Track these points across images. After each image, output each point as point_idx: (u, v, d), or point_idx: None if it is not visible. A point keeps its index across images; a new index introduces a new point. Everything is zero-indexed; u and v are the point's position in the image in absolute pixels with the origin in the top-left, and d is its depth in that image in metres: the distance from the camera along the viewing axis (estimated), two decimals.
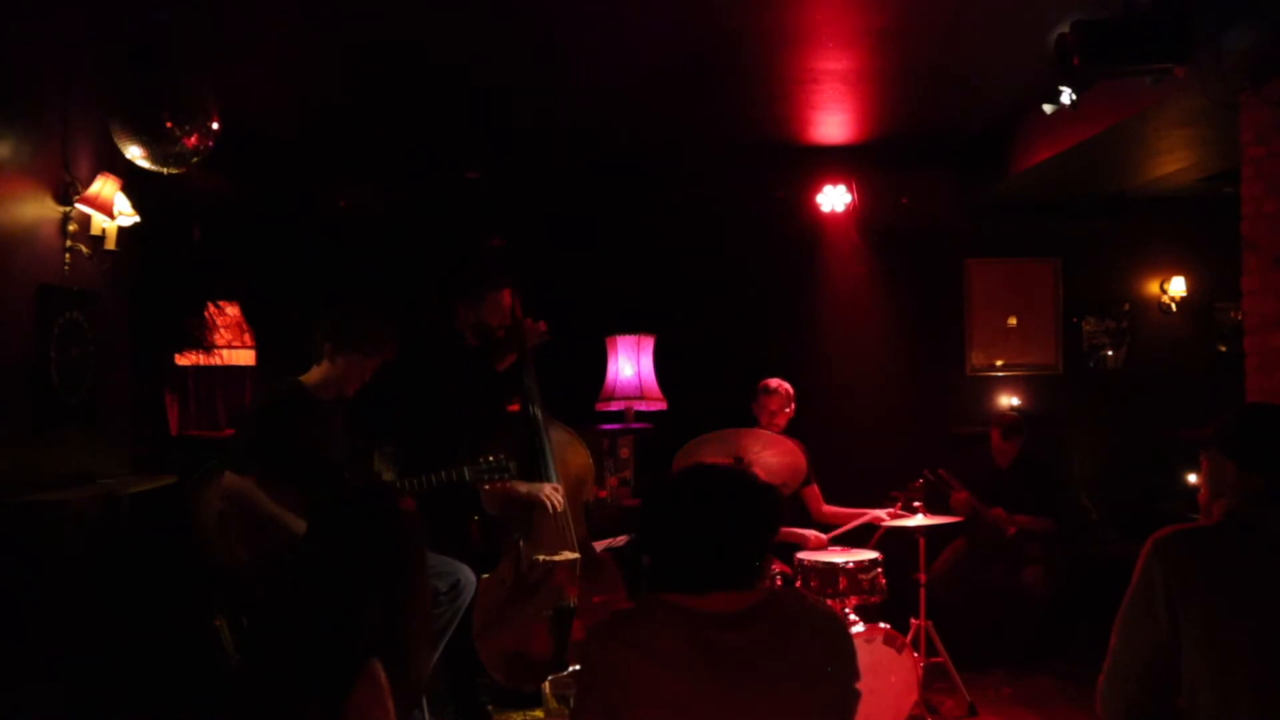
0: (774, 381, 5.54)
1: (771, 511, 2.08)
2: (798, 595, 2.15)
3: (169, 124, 4.04)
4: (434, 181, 6.50)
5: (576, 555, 4.76)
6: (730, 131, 6.26)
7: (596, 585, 4.85)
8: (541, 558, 4.71)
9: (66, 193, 3.92)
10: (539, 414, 4.86)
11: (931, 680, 5.18)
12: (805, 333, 7.02)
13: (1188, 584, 2.16)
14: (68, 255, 3.95)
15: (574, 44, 4.79)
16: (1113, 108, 4.84)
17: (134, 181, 4.15)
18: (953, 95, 5.63)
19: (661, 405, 6.34)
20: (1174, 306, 7.44)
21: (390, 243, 6.39)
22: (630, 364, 6.34)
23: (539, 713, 4.96)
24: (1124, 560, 2.41)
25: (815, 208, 6.82)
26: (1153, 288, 7.49)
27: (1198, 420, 2.53)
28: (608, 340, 6.44)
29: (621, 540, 4.90)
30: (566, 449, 4.97)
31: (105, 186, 3.96)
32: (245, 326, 6.59)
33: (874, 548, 5.07)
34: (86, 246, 4.00)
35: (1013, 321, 7.40)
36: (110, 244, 4.07)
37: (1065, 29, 4.04)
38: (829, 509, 5.62)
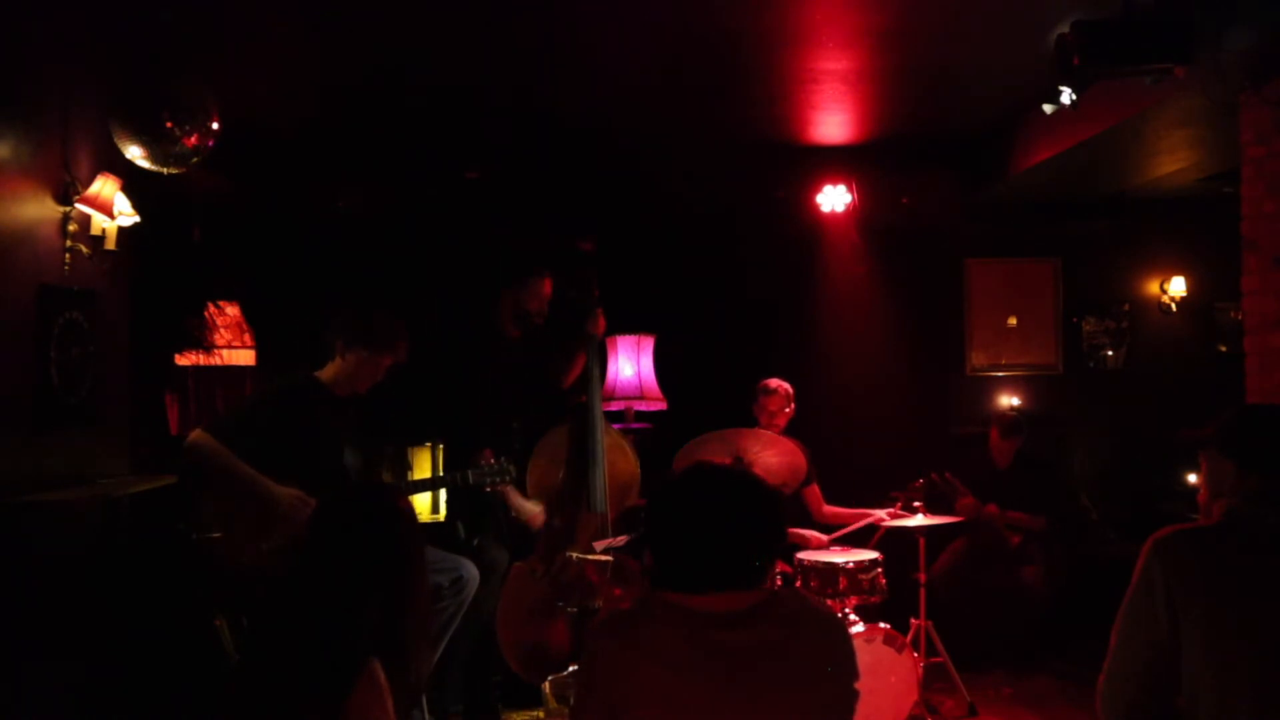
0: (773, 382, 5.54)
1: (775, 514, 2.09)
2: (798, 595, 2.15)
3: (169, 124, 4.04)
4: (434, 181, 6.50)
5: (609, 558, 4.74)
6: (730, 131, 6.26)
7: (626, 589, 4.84)
8: (576, 555, 4.70)
9: (66, 193, 3.92)
10: (598, 409, 4.85)
11: (931, 680, 5.18)
12: (805, 333, 7.01)
13: (1188, 584, 2.16)
14: (68, 255, 3.94)
15: (574, 44, 4.79)
16: (1113, 108, 4.84)
17: (134, 181, 4.15)
18: (953, 95, 5.63)
19: (661, 405, 6.33)
20: (1174, 306, 7.45)
21: (390, 243, 6.39)
22: (630, 364, 6.34)
23: (539, 712, 4.96)
24: (1124, 560, 2.41)
25: (815, 208, 6.82)
26: (1153, 288, 7.49)
27: (1198, 420, 2.53)
28: (608, 340, 6.43)
29: (622, 540, 4.89)
30: (617, 454, 4.94)
31: (105, 186, 3.96)
32: (245, 326, 6.59)
33: (874, 548, 5.07)
34: (86, 246, 4.00)
35: (1013, 321, 7.40)
36: (110, 244, 4.07)
37: (1065, 29, 4.03)
38: (829, 509, 5.62)
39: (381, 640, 2.12)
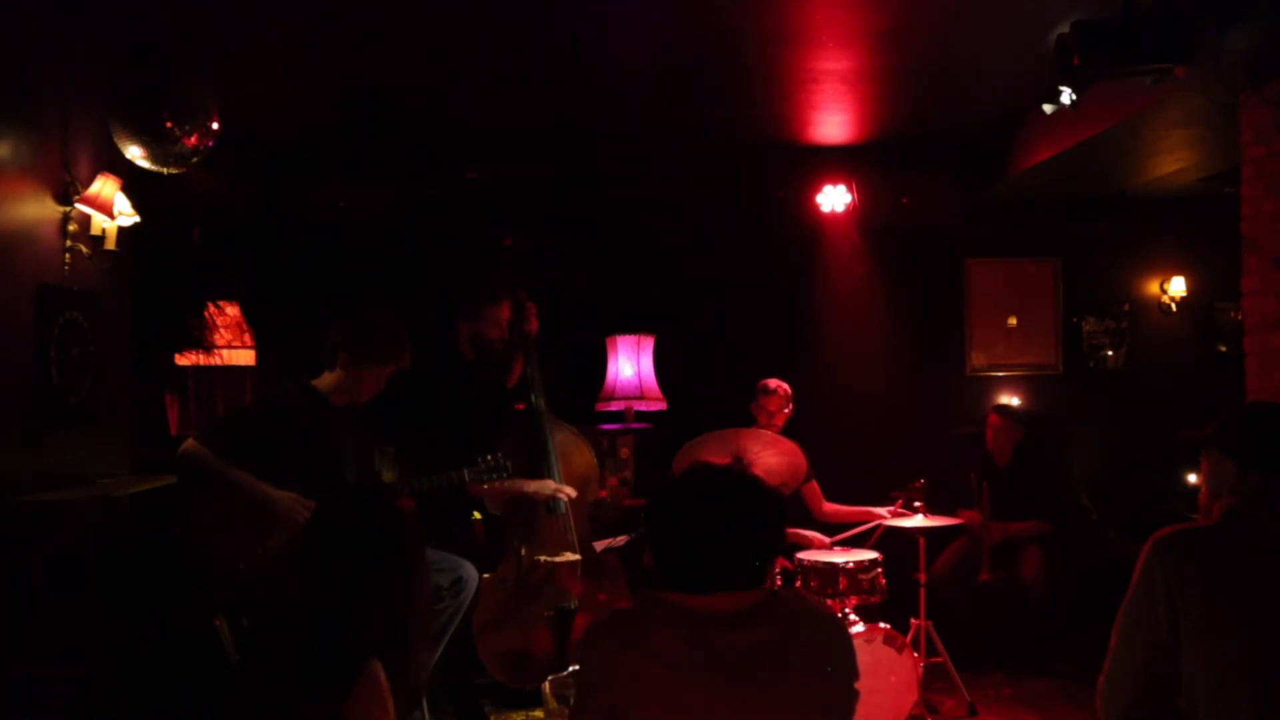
0: (772, 382, 5.54)
1: (775, 514, 2.09)
2: (798, 595, 2.15)
3: (169, 124, 4.04)
4: (434, 181, 6.50)
5: (578, 556, 4.76)
6: (730, 131, 6.25)
7: (602, 583, 4.85)
8: (543, 558, 4.72)
9: (66, 193, 3.92)
10: (543, 414, 4.87)
11: (931, 680, 5.18)
12: (805, 333, 7.02)
13: (1188, 584, 2.16)
14: (68, 255, 3.95)
15: (574, 44, 4.79)
16: (1113, 108, 4.84)
17: (134, 181, 4.15)
18: (953, 95, 5.63)
19: (661, 405, 6.34)
20: (1174, 306, 7.44)
21: (390, 243, 6.39)
22: (630, 364, 6.35)
23: (539, 713, 4.97)
24: (1124, 560, 2.41)
25: (815, 208, 6.81)
26: (1153, 288, 7.49)
27: (1198, 420, 2.53)
28: (608, 340, 6.44)
29: (621, 540, 4.90)
30: (571, 449, 4.98)
31: (105, 186, 3.96)
32: (245, 326, 6.59)
33: (874, 548, 5.07)
34: (86, 246, 4.00)
35: (1013, 321, 7.40)
36: (110, 244, 4.07)
37: (1065, 29, 4.03)
38: (829, 507, 5.62)
39: (381, 640, 2.12)
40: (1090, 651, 2.76)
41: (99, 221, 4.00)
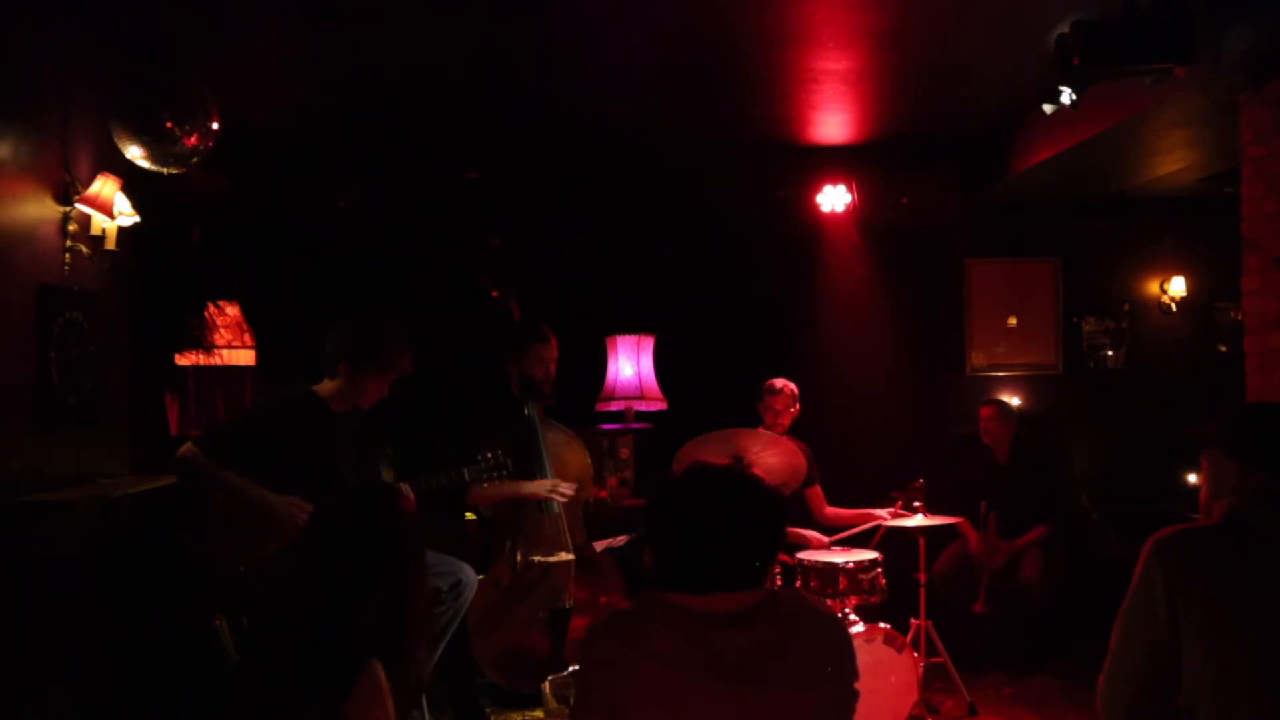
0: (779, 381, 5.54)
1: (775, 514, 2.09)
2: (798, 596, 2.15)
3: (169, 124, 4.04)
4: (434, 181, 6.50)
5: (571, 557, 4.76)
6: (730, 131, 6.26)
7: (601, 585, 4.85)
8: (537, 559, 4.71)
9: (66, 193, 3.92)
10: (535, 413, 4.86)
11: (931, 680, 5.18)
12: (805, 333, 7.02)
13: (1188, 584, 2.16)
14: (68, 255, 3.95)
15: (574, 44, 4.79)
16: (1113, 108, 4.84)
17: (134, 181, 4.15)
18: (953, 95, 5.63)
19: (661, 405, 6.34)
20: (1174, 306, 7.45)
21: (390, 243, 6.39)
22: (630, 364, 6.34)
23: (539, 713, 4.97)
24: (1124, 560, 2.41)
25: (815, 208, 6.82)
26: (1153, 288, 7.49)
27: (1198, 420, 2.53)
28: (608, 340, 6.44)
29: (621, 540, 4.90)
30: (564, 449, 4.97)
31: (105, 186, 3.96)
32: (245, 326, 6.58)
33: (874, 548, 5.07)
34: (86, 246, 4.00)
35: (1013, 321, 7.40)
36: (110, 244, 4.07)
37: (1065, 29, 4.03)
38: (831, 511, 5.62)
39: (381, 640, 2.12)
40: (1090, 651, 2.76)
41: (99, 221, 4.00)
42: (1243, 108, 4.32)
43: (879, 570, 4.77)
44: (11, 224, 3.64)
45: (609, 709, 1.93)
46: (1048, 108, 4.54)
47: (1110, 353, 7.43)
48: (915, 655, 4.85)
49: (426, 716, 4.29)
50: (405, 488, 4.11)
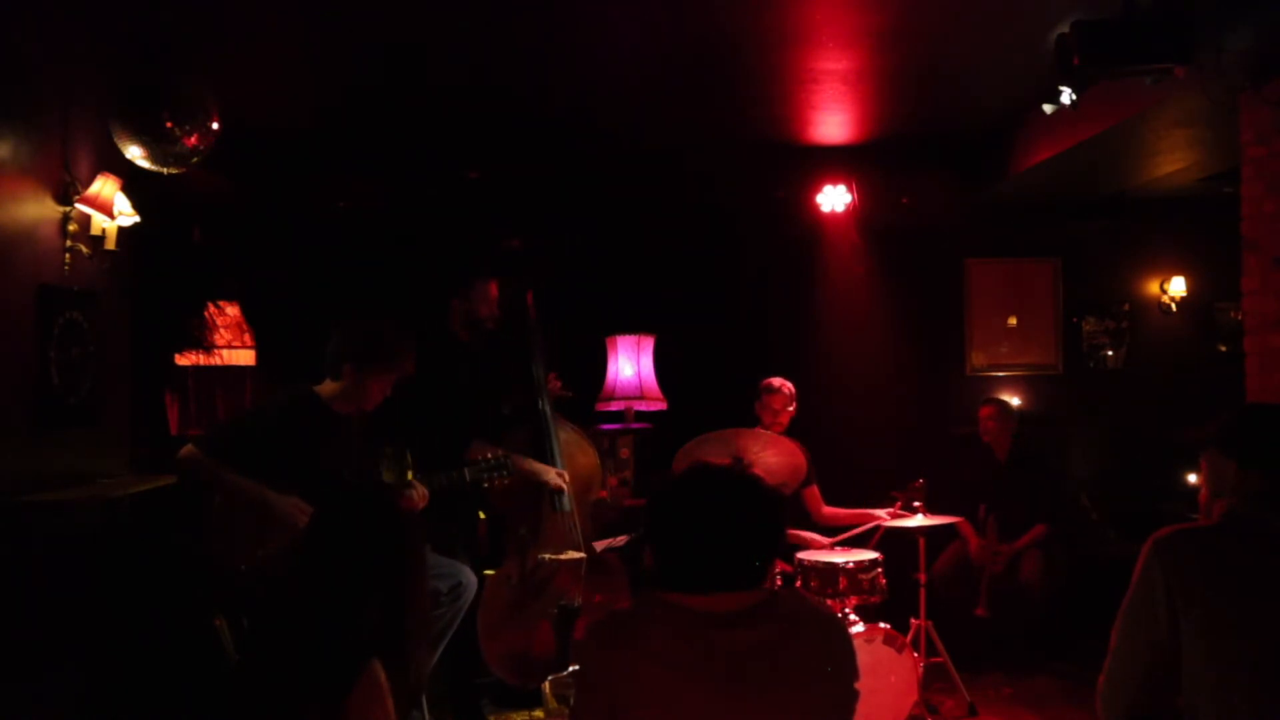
0: (776, 380, 5.55)
1: (774, 514, 2.09)
2: (798, 596, 2.15)
3: (169, 124, 4.03)
4: (434, 181, 6.50)
5: (582, 555, 4.77)
6: (730, 131, 6.26)
7: (599, 585, 4.85)
8: (547, 556, 4.72)
9: (66, 193, 3.92)
10: (548, 412, 4.87)
11: (931, 680, 5.18)
12: (805, 333, 7.02)
13: (1188, 584, 2.16)
14: (68, 255, 3.94)
15: (574, 44, 4.79)
16: (1113, 108, 4.84)
17: (134, 181, 4.15)
18: (953, 95, 5.63)
19: (661, 405, 6.34)
20: (1174, 306, 7.45)
21: (390, 243, 6.39)
22: (630, 364, 6.35)
23: (539, 713, 4.97)
24: (1124, 560, 2.41)
25: (815, 208, 6.82)
26: (1153, 288, 7.49)
27: (1198, 420, 2.53)
28: (608, 340, 6.44)
29: (622, 540, 4.90)
30: (574, 448, 4.99)
31: (105, 186, 3.96)
32: (245, 326, 6.58)
33: (874, 548, 5.07)
34: (86, 246, 4.00)
35: (1013, 321, 7.40)
36: (110, 244, 4.07)
37: (1065, 29, 4.03)
38: (829, 511, 5.62)
39: (381, 640, 2.12)
40: (1090, 651, 2.76)
41: (99, 221, 4.00)
42: (1243, 108, 4.32)
43: (879, 570, 4.77)
44: (11, 224, 3.64)
45: (609, 709, 1.93)
46: (1048, 108, 4.54)
47: (1110, 353, 7.43)
48: (915, 655, 4.85)
49: (426, 716, 4.28)
50: (420, 487, 4.13)
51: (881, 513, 5.30)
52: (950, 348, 7.34)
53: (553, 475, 4.78)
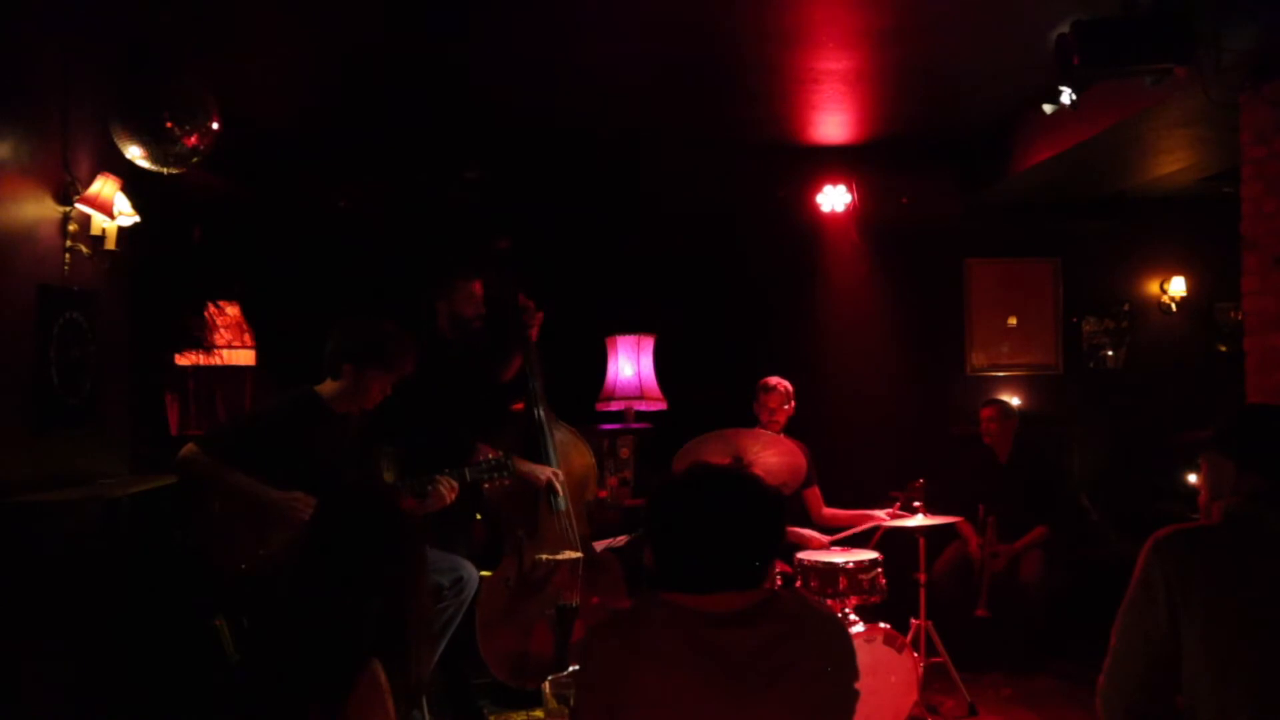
0: (773, 379, 5.55)
1: (774, 514, 2.09)
2: (798, 596, 2.15)
3: (169, 124, 4.03)
4: (434, 181, 6.50)
5: (579, 554, 4.77)
6: (730, 132, 6.26)
7: (596, 585, 4.85)
8: (544, 556, 4.73)
9: (66, 193, 3.91)
10: (544, 414, 4.88)
11: (931, 680, 5.17)
12: (805, 333, 7.02)
13: (1188, 584, 2.16)
14: (68, 255, 3.94)
15: (573, 44, 4.79)
16: (1113, 108, 4.84)
17: (134, 181, 4.15)
18: (953, 95, 5.64)
19: (661, 405, 6.34)
20: (1174, 306, 7.45)
21: (390, 243, 6.39)
22: (630, 364, 6.35)
23: (539, 713, 4.96)
24: (1124, 560, 2.41)
25: (815, 208, 6.82)
26: (1153, 288, 7.50)
27: (1198, 420, 2.54)
28: (608, 340, 6.44)
29: (621, 540, 4.90)
30: (570, 449, 5.00)
31: (105, 186, 3.96)
32: (245, 326, 6.58)
33: (874, 548, 5.07)
34: (86, 246, 4.00)
35: (1013, 321, 7.40)
36: (110, 244, 4.07)
37: (1065, 29, 4.04)
38: (829, 511, 5.61)
39: (382, 640, 2.12)
40: (1090, 651, 2.76)
41: (99, 221, 4.00)
42: (1243, 108, 4.32)
43: (879, 570, 4.77)
44: (11, 224, 3.64)
45: (609, 709, 1.93)
46: (1048, 108, 4.54)
47: (1110, 353, 7.43)
48: (915, 655, 4.85)
49: (426, 716, 4.28)
50: (448, 479, 4.12)
51: (881, 513, 5.30)
52: (950, 348, 7.34)
53: (548, 475, 4.77)
